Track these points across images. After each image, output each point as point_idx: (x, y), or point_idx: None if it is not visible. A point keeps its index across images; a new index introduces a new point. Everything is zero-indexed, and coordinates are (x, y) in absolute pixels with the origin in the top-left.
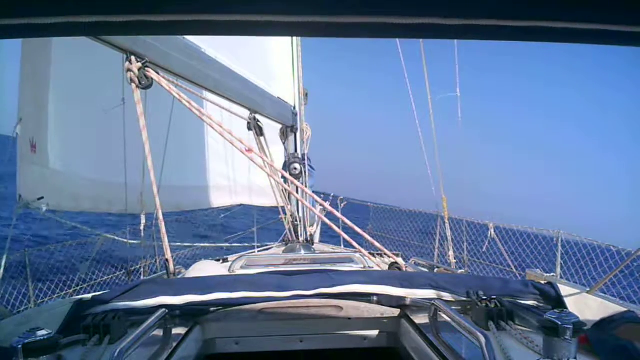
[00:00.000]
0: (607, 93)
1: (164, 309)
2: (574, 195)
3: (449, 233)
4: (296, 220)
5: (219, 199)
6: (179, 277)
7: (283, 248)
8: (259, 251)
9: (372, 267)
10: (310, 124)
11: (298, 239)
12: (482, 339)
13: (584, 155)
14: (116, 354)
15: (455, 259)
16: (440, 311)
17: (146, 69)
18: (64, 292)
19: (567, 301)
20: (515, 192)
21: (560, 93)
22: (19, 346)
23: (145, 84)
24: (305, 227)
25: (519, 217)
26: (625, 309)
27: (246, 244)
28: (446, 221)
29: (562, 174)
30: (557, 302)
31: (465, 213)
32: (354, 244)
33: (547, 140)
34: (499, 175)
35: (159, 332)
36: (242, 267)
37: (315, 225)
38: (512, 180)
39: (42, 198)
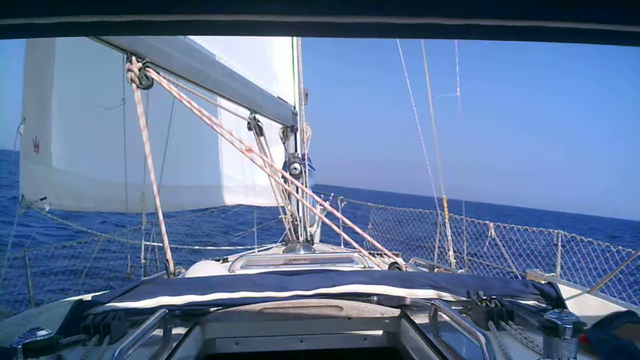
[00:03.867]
0: (609, 79)
1: (164, 309)
2: (571, 169)
3: (449, 233)
4: (296, 220)
5: (219, 199)
6: (179, 277)
7: (283, 248)
8: (259, 251)
9: (372, 267)
10: (311, 124)
11: (298, 239)
12: (482, 339)
13: (583, 132)
14: (116, 354)
15: (455, 259)
16: (440, 311)
17: (146, 69)
18: (64, 292)
19: (567, 301)
20: (517, 168)
21: (561, 77)
22: (19, 346)
23: (146, 84)
24: (305, 227)
25: (520, 193)
26: (625, 309)
27: (246, 245)
28: (446, 221)
29: (562, 150)
30: (557, 302)
31: (466, 193)
32: (354, 244)
33: (550, 119)
34: (501, 154)
35: (159, 332)
36: (242, 267)
37: (315, 225)
38: (514, 158)
39: (45, 198)
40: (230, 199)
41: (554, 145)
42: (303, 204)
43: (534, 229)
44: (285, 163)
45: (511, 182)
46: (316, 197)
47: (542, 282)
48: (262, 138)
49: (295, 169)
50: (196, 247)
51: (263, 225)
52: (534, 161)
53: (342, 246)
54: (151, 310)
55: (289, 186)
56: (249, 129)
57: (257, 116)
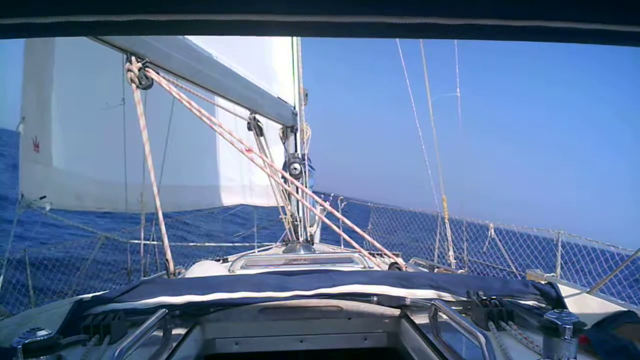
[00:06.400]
0: (609, 91)
1: (164, 309)
2: (577, 197)
3: (449, 233)
4: (296, 220)
5: (219, 199)
6: (179, 277)
7: (283, 248)
8: (259, 251)
9: (372, 267)
10: (310, 124)
11: (298, 239)
12: (482, 339)
13: (589, 156)
14: (116, 354)
15: (455, 259)
16: (440, 311)
17: (146, 69)
18: (64, 292)
19: (567, 301)
20: (516, 193)
21: (564, 92)
22: (19, 346)
23: (146, 84)
24: (305, 227)
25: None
26: (625, 309)
27: (246, 244)
28: (446, 221)
29: (569, 176)
30: (557, 302)
31: (466, 214)
32: (354, 244)
33: (552, 140)
34: (501, 174)
35: (159, 332)
36: (242, 267)
37: (315, 225)
38: (514, 181)
39: (45, 197)
40: (230, 199)
41: (552, 173)
42: (303, 204)
43: (534, 229)
44: (285, 163)
45: (507, 206)
46: (316, 197)
47: (542, 282)
48: (262, 138)
49: (295, 169)
50: (196, 247)
51: (263, 225)
52: (533, 188)
53: (342, 246)
54: (151, 310)
55: (289, 186)
56: (249, 129)
57: (257, 116)
